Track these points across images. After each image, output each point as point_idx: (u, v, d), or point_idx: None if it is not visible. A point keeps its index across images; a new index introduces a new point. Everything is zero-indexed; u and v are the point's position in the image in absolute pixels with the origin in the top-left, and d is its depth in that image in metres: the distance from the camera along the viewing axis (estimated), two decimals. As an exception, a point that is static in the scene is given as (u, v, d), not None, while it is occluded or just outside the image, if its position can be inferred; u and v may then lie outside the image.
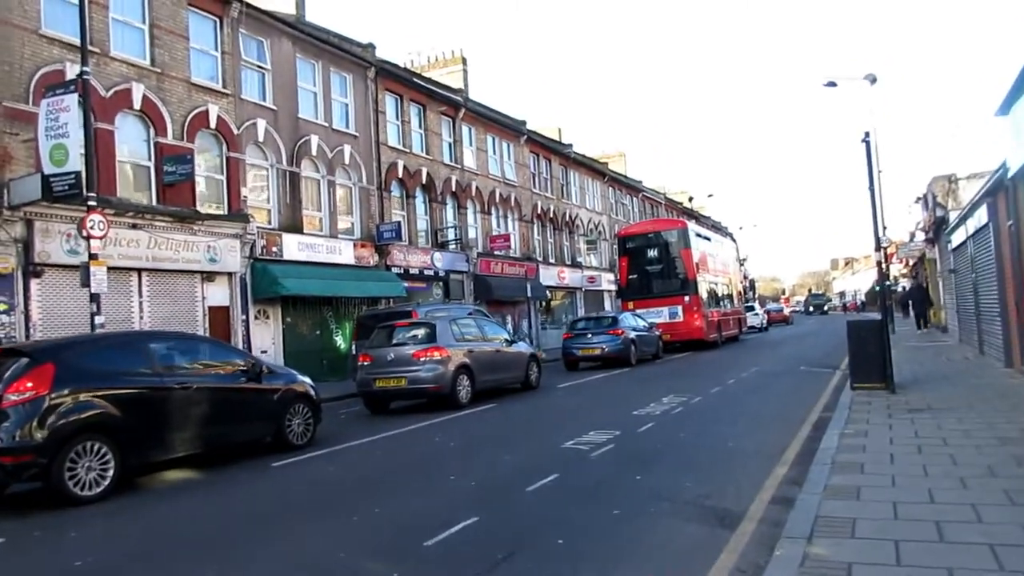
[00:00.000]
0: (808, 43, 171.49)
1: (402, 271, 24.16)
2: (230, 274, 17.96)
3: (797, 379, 14.63)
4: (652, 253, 26.02)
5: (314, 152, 21.32)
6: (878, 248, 11.49)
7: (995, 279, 13.40)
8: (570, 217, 37.09)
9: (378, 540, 5.27)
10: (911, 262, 39.75)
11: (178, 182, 16.62)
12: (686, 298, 24.66)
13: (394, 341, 12.86)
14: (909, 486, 5.25)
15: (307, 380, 9.79)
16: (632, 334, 20.87)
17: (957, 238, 19.59)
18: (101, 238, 12.05)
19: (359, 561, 4.84)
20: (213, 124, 17.95)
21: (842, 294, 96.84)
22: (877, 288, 59.57)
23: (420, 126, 26.54)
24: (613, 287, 40.16)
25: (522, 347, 15.22)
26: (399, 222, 23.79)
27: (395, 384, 12.23)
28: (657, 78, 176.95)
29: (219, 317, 17.73)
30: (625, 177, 45.55)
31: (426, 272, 25.67)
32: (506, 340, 14.61)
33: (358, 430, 10.83)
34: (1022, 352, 11.89)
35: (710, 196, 59.08)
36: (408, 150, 25.42)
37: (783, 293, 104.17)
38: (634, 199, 46.55)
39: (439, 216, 26.96)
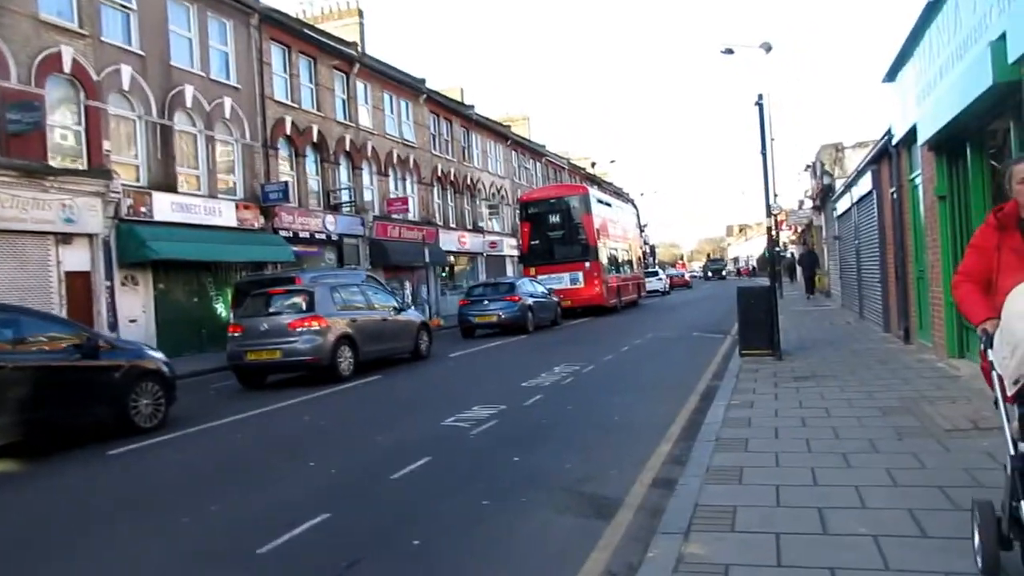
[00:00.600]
0: (710, 11, 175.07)
1: (291, 235, 22.83)
2: (91, 236, 16.30)
3: (689, 345, 14.62)
4: (554, 219, 25.82)
5: (189, 104, 19.60)
6: (769, 214, 11.38)
7: (877, 246, 13.70)
8: (472, 180, 36.30)
9: (205, 546, 4.53)
10: (799, 229, 41.29)
11: (25, 132, 14.80)
12: (587, 264, 24.65)
13: (269, 310, 11.86)
14: (793, 465, 4.96)
15: (158, 355, 8.79)
16: (529, 300, 20.67)
17: (842, 206, 20.15)
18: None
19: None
20: (68, 68, 16.07)
21: (736, 260, 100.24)
22: (767, 254, 61.94)
23: (311, 80, 24.97)
24: (515, 252, 39.83)
25: (412, 315, 14.52)
26: (287, 182, 22.37)
27: (268, 357, 11.31)
28: (561, 43, 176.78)
29: (78, 284, 16.08)
30: (528, 141, 45.02)
31: (318, 236, 24.42)
32: (395, 308, 13.86)
33: (222, 408, 9.89)
34: (899, 317, 12.19)
35: (612, 162, 59.89)
36: (297, 105, 23.89)
37: (681, 258, 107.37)
38: (537, 163, 46.17)
39: (332, 177, 25.62)
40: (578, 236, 25.29)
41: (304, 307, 11.61)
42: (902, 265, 11.42)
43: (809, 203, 30.37)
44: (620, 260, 29.22)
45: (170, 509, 5.29)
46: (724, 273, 78.72)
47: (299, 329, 11.28)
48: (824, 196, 25.08)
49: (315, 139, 24.53)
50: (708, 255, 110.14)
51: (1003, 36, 5.69)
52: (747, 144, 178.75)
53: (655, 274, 44.76)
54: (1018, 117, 6.41)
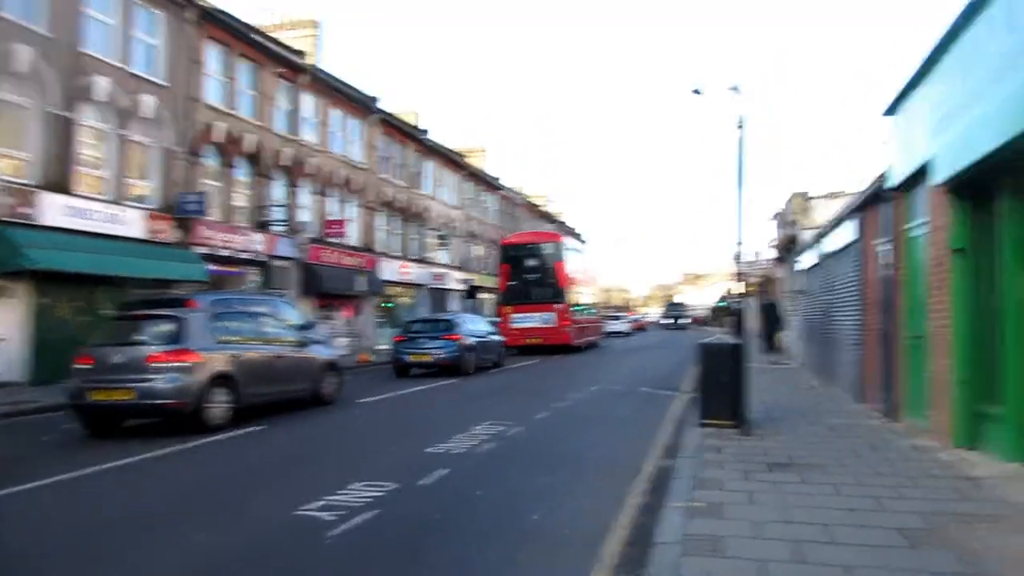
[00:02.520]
0: (681, 56, 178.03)
1: (210, 252, 20.50)
2: (-54, 236, 13.86)
3: (637, 404, 12.75)
4: (531, 262, 27.61)
5: (101, 97, 17.35)
6: (739, 259, 9.67)
7: (856, 304, 12.10)
8: (421, 209, 34.37)
9: None
10: (756, 280, 40.28)
11: None
12: (558, 306, 26.31)
13: (130, 339, 9.57)
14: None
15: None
16: (470, 340, 19.08)
17: (809, 258, 18.77)
18: None
19: None
20: (-57, 38, 13.78)
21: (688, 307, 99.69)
22: (720, 304, 61.31)
23: (252, 87, 22.91)
24: (462, 286, 37.93)
25: (318, 351, 12.32)
26: (204, 193, 20.07)
27: (119, 397, 8.99)
28: (525, 77, 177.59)
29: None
30: (484, 173, 43.40)
31: (242, 256, 22.11)
32: (296, 342, 11.67)
33: (41, 466, 7.59)
34: (880, 388, 10.53)
35: (569, 201, 58.26)
36: (233, 112, 21.77)
37: (630, 304, 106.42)
38: (492, 197, 44.55)
39: (265, 192, 23.43)
40: (551, 279, 27.01)
41: (171, 337, 9.34)
42: (889, 329, 9.77)
43: (770, 253, 29.19)
44: (585, 303, 30.85)
45: None
46: (684, 321, 69.83)
47: (160, 365, 9.02)
48: (789, 247, 23.80)
49: (250, 150, 22.37)
50: (668, 298, 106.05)
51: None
52: (706, 190, 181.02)
53: (618, 318, 49.84)
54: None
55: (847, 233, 12.68)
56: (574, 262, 29.59)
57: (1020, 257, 6.35)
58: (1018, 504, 5.24)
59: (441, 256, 36.50)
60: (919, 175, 8.26)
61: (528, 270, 27.48)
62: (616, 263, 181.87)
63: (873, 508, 5.20)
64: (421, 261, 34.19)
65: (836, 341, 14.21)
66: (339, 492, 6.17)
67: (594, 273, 36.59)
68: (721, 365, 9.02)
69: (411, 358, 18.36)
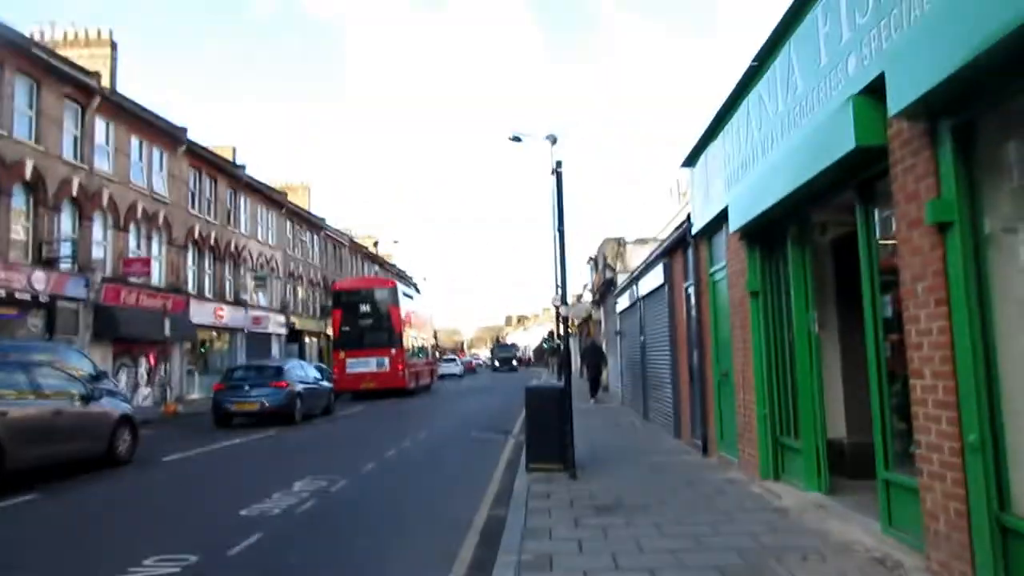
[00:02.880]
0: (502, 102, 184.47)
1: (-23, 293, 17.86)
2: None
3: (468, 449, 12.57)
4: (364, 308, 27.96)
5: None
6: (564, 300, 9.86)
7: (667, 344, 12.79)
8: (237, 248, 32.39)
9: None
10: (577, 322, 41.93)
11: None
12: (393, 350, 26.83)
13: None
14: None
15: None
16: (299, 387, 18.41)
17: (624, 301, 19.75)
18: None
19: None
20: None
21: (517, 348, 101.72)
22: (544, 345, 63.24)
23: (30, 106, 20.48)
24: (283, 330, 36.14)
25: (108, 405, 10.94)
26: (-32, 225, 17.52)
27: None
28: (350, 118, 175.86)
29: None
30: (307, 212, 41.95)
31: (20, 296, 19.46)
32: (80, 396, 10.28)
33: None
34: (692, 423, 11.13)
35: (396, 242, 57.88)
36: (5, 134, 19.30)
37: (462, 345, 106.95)
38: (316, 236, 43.10)
39: (48, 225, 20.89)
40: (385, 324, 27.46)
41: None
42: (700, 367, 10.37)
43: (589, 296, 30.51)
44: (418, 347, 31.59)
45: None
46: (515, 363, 66.55)
47: None
48: (605, 290, 24.97)
49: (27, 177, 19.89)
50: (496, 339, 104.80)
51: (869, 89, 4.48)
52: (530, 234, 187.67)
53: (453, 360, 51.88)
54: (869, 195, 5.28)
55: (657, 277, 13.45)
56: (408, 307, 30.15)
57: (802, 297, 6.93)
58: (819, 533, 5.59)
59: (260, 298, 34.54)
60: (717, 222, 8.88)
61: (362, 315, 27.81)
62: (446, 305, 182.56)
63: (694, 547, 5.32)
64: (238, 303, 32.11)
65: (653, 380, 14.94)
66: (124, 574, 5.35)
67: (427, 317, 37.14)
68: (548, 409, 9.06)
69: (235, 407, 17.38)
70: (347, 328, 27.82)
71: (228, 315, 30.98)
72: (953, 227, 3.89)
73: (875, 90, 4.43)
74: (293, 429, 16.61)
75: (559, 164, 8.78)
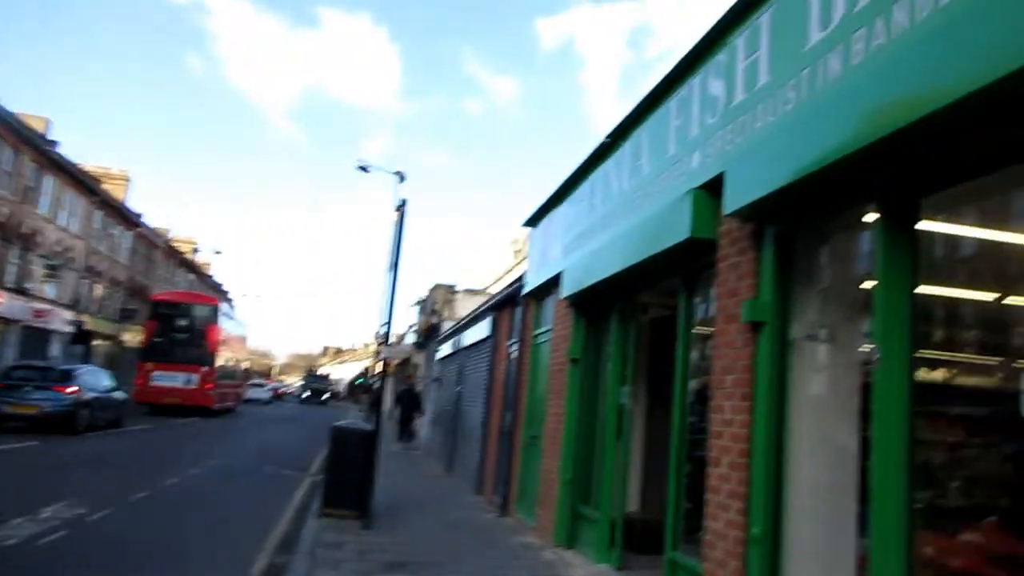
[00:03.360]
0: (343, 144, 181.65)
1: None
2: None
3: (258, 485, 11.68)
4: (182, 322, 27.27)
5: None
6: (386, 341, 9.52)
7: (483, 399, 12.76)
8: (31, 229, 28.82)
9: None
10: (396, 363, 41.22)
11: None
12: (204, 369, 26.21)
13: None
14: None
15: None
16: (88, 395, 16.89)
17: (447, 348, 19.65)
18: None
19: None
20: None
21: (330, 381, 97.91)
22: (359, 381, 61.31)
23: None
24: (69, 329, 32.40)
25: None
26: None
27: None
28: (185, 121, 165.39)
29: None
30: (122, 204, 38.38)
31: None
32: None
33: None
34: (495, 481, 11.07)
35: (218, 253, 54.39)
36: None
37: (270, 371, 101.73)
38: (128, 233, 39.42)
39: None
40: (201, 342, 26.90)
41: None
42: (511, 426, 10.38)
43: (412, 337, 30.14)
44: (229, 369, 31.17)
45: None
46: (326, 396, 62.04)
47: None
48: (429, 334, 24.78)
49: None
50: (310, 369, 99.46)
51: (708, 185, 4.73)
52: (360, 268, 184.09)
53: (261, 385, 50.79)
54: (692, 284, 5.55)
55: (483, 330, 13.48)
56: (227, 327, 30.12)
57: (618, 371, 7.14)
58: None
59: (48, 290, 30.80)
60: (549, 286, 9.04)
61: (178, 329, 27.09)
62: (261, 326, 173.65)
63: (482, 615, 5.14)
64: (19, 292, 28.40)
65: (463, 432, 14.81)
66: None
67: (242, 338, 37.12)
68: (353, 452, 8.63)
69: (11, 409, 15.62)
70: (160, 340, 26.94)
71: (5, 304, 27.28)
72: (765, 328, 4.12)
73: (713, 187, 4.68)
74: (72, 441, 14.89)
75: (403, 203, 8.58)
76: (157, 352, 26.60)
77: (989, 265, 3.60)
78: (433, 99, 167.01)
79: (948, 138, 2.92)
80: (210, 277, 58.77)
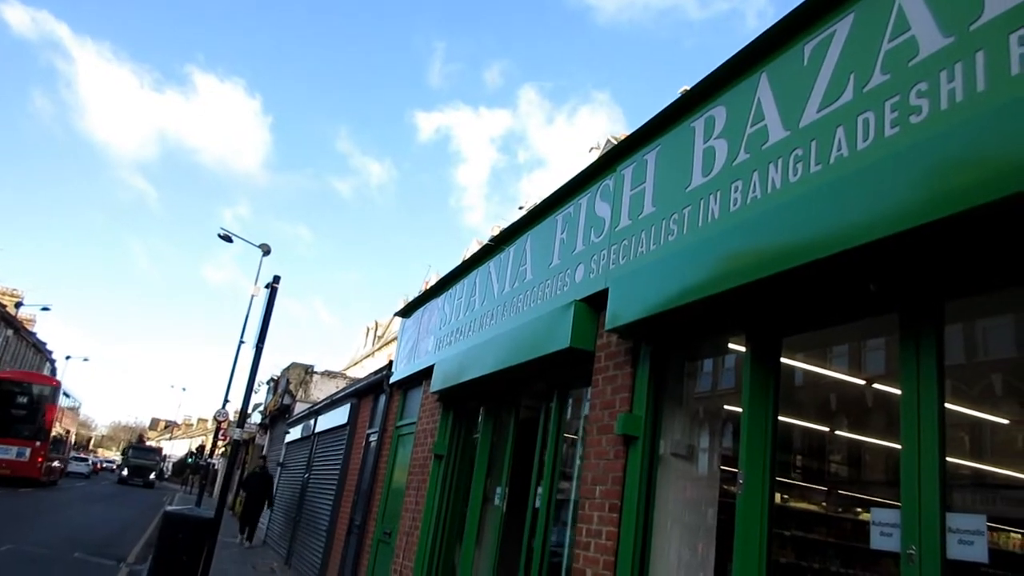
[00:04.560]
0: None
1: None
2: None
3: None
4: (21, 399, 28.31)
5: None
6: (242, 423, 8.98)
7: (334, 489, 12.19)
8: None
9: None
10: (232, 439, 38.57)
11: None
12: (37, 443, 27.46)
13: None
14: None
15: None
16: None
17: (297, 432, 18.75)
18: None
19: None
20: None
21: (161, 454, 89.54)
22: (189, 460, 56.53)
23: None
24: None
25: None
26: None
27: None
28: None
29: None
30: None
31: None
32: None
33: None
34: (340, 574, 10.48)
35: (45, 309, 49.34)
36: None
37: (89, 442, 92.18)
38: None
39: None
40: (37, 418, 28.07)
41: None
42: (363, 520, 9.96)
43: (258, 417, 28.49)
44: (60, 440, 32.56)
45: None
46: (154, 476, 49.13)
47: None
48: (278, 415, 23.57)
49: None
50: (139, 437, 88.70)
51: (590, 299, 4.99)
52: (205, 341, 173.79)
53: (84, 460, 51.14)
54: (564, 391, 5.72)
55: (341, 415, 13.04)
56: (64, 406, 32.25)
57: (483, 466, 7.12)
58: None
59: None
60: (418, 378, 8.98)
61: (17, 406, 28.03)
62: (82, 389, 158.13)
63: None
64: None
65: (307, 523, 14.00)
66: None
67: (76, 411, 39.60)
68: (187, 542, 7.92)
69: None
70: None
71: None
72: (637, 442, 4.31)
73: (594, 301, 4.94)
74: None
75: (276, 279, 8.32)
76: None
77: (839, 400, 4.02)
78: (301, 174, 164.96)
79: (808, 289, 3.30)
80: (33, 334, 53.27)
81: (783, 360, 3.70)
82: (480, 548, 6.90)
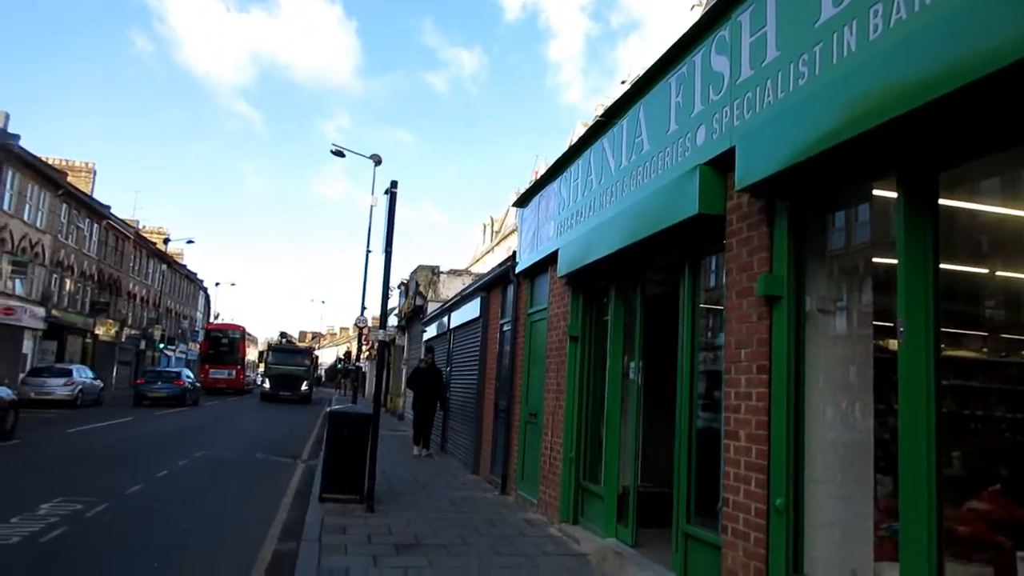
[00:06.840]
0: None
1: None
2: None
3: (251, 473, 11.61)
4: (224, 340, 43.63)
5: None
6: (384, 322, 9.48)
7: (475, 379, 12.78)
8: (-4, 224, 28.18)
9: None
10: (376, 345, 41.00)
11: None
12: (238, 367, 43.67)
13: None
14: None
15: None
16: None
17: (432, 330, 19.61)
18: None
19: None
20: None
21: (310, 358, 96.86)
22: (339, 366, 61.13)
23: None
24: (41, 325, 31.75)
25: None
26: None
27: None
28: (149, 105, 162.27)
29: None
30: (89, 197, 37.52)
31: None
32: None
33: None
34: (492, 460, 11.14)
35: (190, 242, 53.35)
36: None
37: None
38: (96, 225, 38.56)
39: None
40: (235, 352, 43.79)
41: None
42: (508, 405, 10.43)
43: (395, 320, 29.96)
44: (248, 365, 50.59)
45: None
46: (306, 387, 37.45)
47: None
48: (413, 316, 24.69)
49: None
50: (270, 342, 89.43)
51: (715, 161, 4.75)
52: (336, 252, 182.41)
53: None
54: (697, 260, 5.58)
55: (473, 310, 13.46)
56: (247, 341, 49.04)
57: (617, 343, 7.19)
58: (618, 580, 5.70)
59: (17, 286, 30.11)
60: (543, 265, 9.05)
61: (222, 344, 43.40)
62: (235, 311, 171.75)
63: (500, 594, 5.20)
64: (-14, 288, 27.87)
65: (455, 412, 14.83)
66: None
67: (255, 342, 59.97)
68: (352, 438, 8.62)
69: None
70: (212, 351, 43.07)
71: (-27, 301, 26.85)
72: (781, 301, 4.16)
73: (720, 162, 4.70)
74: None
75: (394, 184, 8.49)
76: (211, 358, 42.80)
77: (1010, 240, 3.67)
78: (394, 75, 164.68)
79: (967, 115, 2.95)
80: (184, 267, 57.88)
81: (944, 201, 3.38)
82: (629, 421, 7.05)
